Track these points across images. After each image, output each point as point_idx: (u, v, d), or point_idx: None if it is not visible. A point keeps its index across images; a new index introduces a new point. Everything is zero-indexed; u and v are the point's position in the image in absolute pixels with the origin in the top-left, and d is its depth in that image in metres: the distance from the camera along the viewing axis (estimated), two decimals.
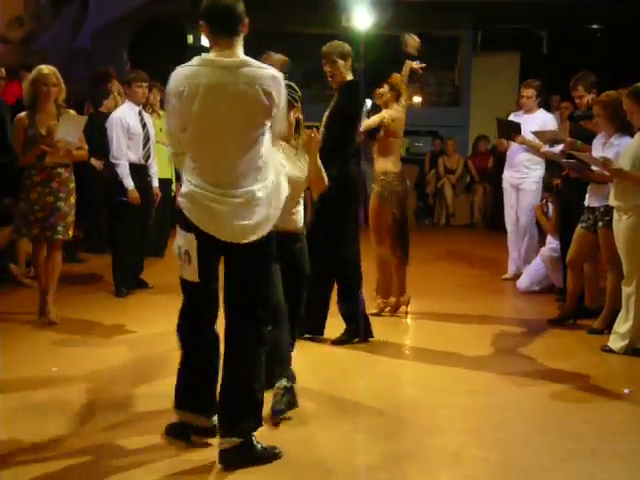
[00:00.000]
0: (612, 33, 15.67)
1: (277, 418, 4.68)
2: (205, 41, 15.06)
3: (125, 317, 7.14)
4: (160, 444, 4.37)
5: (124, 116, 8.17)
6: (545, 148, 8.57)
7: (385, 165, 7.24)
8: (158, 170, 9.60)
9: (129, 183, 8.04)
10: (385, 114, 7.20)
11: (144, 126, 8.31)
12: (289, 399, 4.81)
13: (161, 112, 9.73)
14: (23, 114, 6.76)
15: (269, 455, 4.20)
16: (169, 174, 9.99)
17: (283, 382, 4.81)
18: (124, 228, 8.18)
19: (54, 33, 12.37)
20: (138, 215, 8.15)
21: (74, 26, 12.69)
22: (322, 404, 5.05)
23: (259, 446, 4.18)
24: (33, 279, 8.18)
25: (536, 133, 8.49)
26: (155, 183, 8.55)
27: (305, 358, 5.91)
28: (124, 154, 8.09)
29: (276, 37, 16.60)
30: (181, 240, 4.17)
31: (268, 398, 4.58)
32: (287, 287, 4.84)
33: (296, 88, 4.98)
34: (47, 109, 6.72)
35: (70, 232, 6.87)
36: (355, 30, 15.42)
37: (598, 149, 6.84)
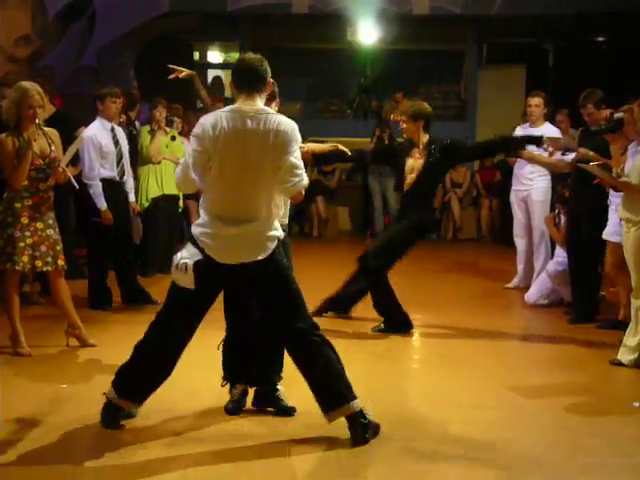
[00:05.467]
0: (618, 46, 15.67)
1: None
2: (212, 57, 15.23)
3: (132, 333, 7.12)
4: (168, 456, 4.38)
5: (95, 135, 7.98)
6: (557, 155, 8.57)
7: None
8: (166, 186, 9.67)
9: (102, 204, 7.94)
10: None
11: (116, 143, 8.16)
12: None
13: (167, 129, 9.74)
14: (5, 136, 6.28)
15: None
16: (176, 190, 9.99)
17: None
18: (100, 247, 8.12)
19: (61, 51, 12.42)
20: (116, 233, 8.08)
21: (81, 44, 12.73)
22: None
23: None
24: (43, 296, 8.18)
25: (550, 139, 8.49)
26: (132, 198, 8.54)
27: None
28: (97, 174, 7.96)
29: (281, 53, 16.67)
30: (186, 253, 4.58)
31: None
32: None
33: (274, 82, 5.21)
34: (31, 129, 6.30)
35: (60, 261, 6.43)
36: (360, 45, 15.50)
37: (630, 157, 6.80)
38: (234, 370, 5.13)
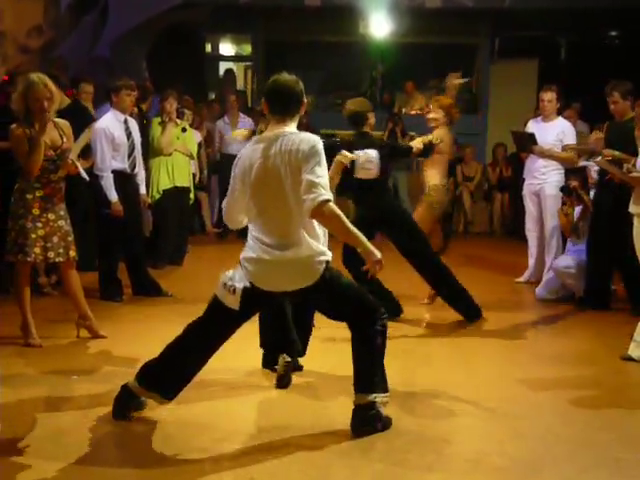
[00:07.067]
0: (631, 41, 15.60)
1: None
2: (223, 49, 15.24)
3: (143, 324, 7.16)
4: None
5: (108, 126, 7.97)
6: (582, 162, 8.59)
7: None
8: (177, 178, 9.70)
9: (113, 196, 7.94)
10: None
11: (129, 135, 8.15)
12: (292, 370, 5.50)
13: (178, 121, 9.75)
14: (16, 126, 6.29)
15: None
16: (187, 182, 10.01)
17: (285, 357, 5.42)
18: (111, 239, 8.14)
19: (73, 42, 12.42)
20: (126, 225, 8.08)
21: (93, 35, 12.75)
22: (339, 414, 5.02)
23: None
24: (54, 287, 8.22)
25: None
26: (142, 190, 8.53)
27: (312, 367, 5.90)
28: (108, 166, 7.96)
29: (294, 46, 16.66)
30: (236, 275, 4.56)
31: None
32: None
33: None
34: (42, 120, 6.23)
35: (71, 252, 6.46)
36: (372, 38, 15.47)
37: None
38: (271, 339, 5.45)
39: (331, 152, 7.44)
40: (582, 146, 8.62)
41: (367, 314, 4.64)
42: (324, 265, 4.49)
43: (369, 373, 4.68)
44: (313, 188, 4.30)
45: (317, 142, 4.42)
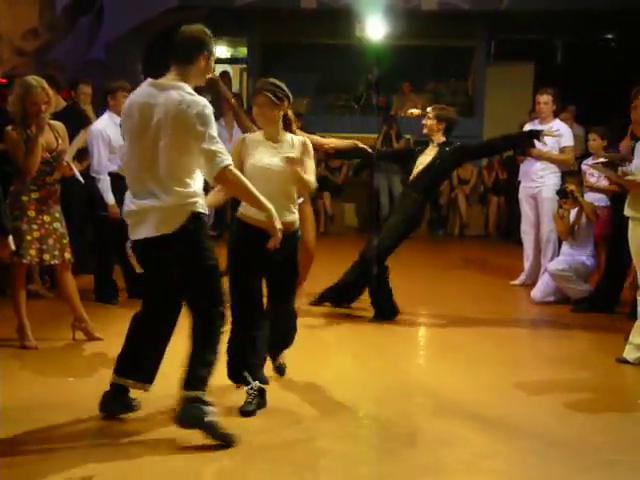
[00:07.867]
0: (626, 43, 15.62)
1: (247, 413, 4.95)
2: (219, 52, 15.23)
3: None
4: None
5: (105, 128, 7.92)
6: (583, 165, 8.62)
7: None
8: None
9: (110, 198, 7.89)
10: None
11: (124, 137, 8.13)
12: (259, 401, 5.01)
13: None
14: (11, 129, 6.30)
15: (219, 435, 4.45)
16: None
17: (256, 383, 5.03)
18: (106, 242, 8.08)
19: (69, 45, 12.41)
20: (122, 227, 8.01)
21: (89, 37, 12.73)
22: (334, 413, 5.03)
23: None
24: (50, 289, 8.20)
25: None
26: None
27: (312, 368, 5.90)
28: (105, 168, 7.91)
29: (289, 48, 16.66)
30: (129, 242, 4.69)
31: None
32: (281, 282, 5.25)
33: (283, 87, 5.20)
34: (40, 123, 6.25)
35: (66, 255, 6.47)
36: (368, 40, 15.46)
37: (637, 156, 6.72)
38: (238, 370, 5.12)
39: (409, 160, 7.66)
40: (614, 155, 8.59)
41: (208, 300, 4.54)
42: (190, 214, 4.44)
43: (195, 368, 4.55)
44: (213, 156, 4.33)
45: (206, 105, 4.40)
